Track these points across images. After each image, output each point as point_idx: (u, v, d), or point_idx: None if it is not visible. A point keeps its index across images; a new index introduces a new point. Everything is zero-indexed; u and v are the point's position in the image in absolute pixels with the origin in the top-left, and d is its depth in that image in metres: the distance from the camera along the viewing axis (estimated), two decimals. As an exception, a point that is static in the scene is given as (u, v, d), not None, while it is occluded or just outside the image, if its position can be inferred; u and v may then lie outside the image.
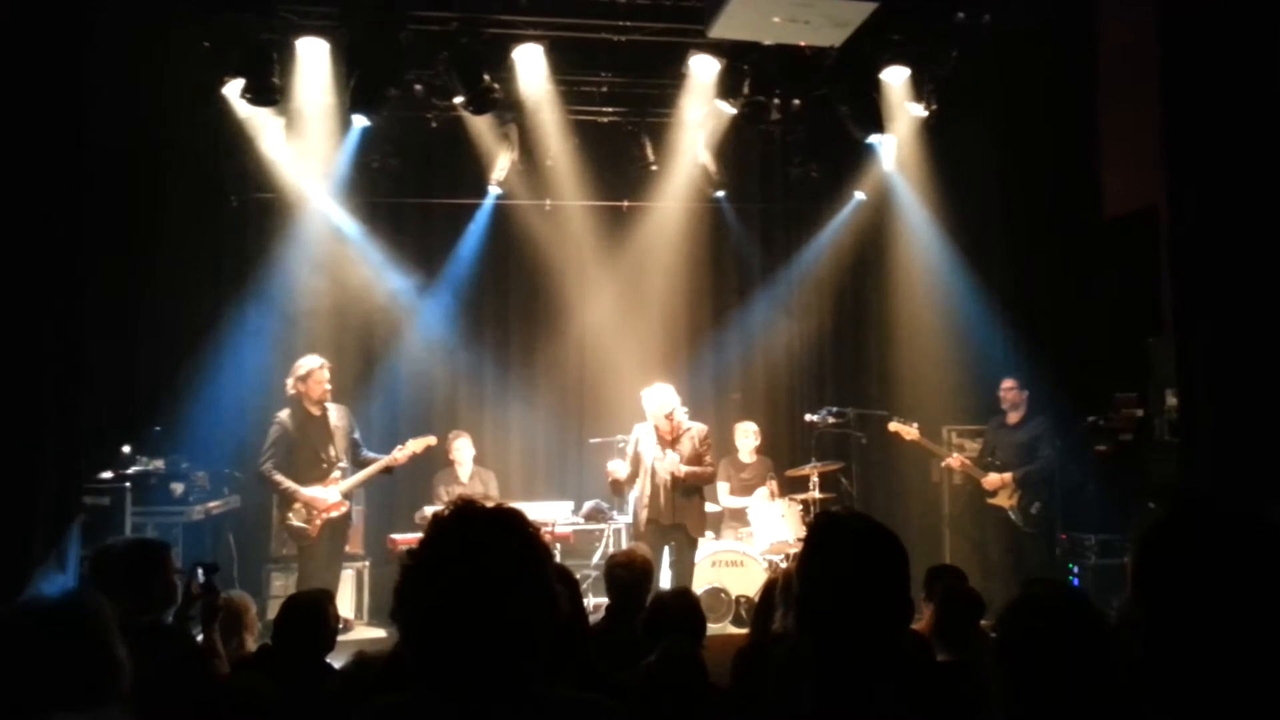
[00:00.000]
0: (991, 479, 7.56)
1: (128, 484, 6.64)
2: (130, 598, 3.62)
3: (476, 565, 1.51)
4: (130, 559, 3.74)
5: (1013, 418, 7.72)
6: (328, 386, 6.81)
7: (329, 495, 6.73)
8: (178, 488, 7.02)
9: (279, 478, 6.65)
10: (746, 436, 8.31)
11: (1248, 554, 1.44)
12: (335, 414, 6.89)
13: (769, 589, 4.24)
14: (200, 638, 3.82)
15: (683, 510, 6.77)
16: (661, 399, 6.79)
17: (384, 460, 6.97)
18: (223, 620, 3.98)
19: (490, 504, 1.63)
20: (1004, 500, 7.51)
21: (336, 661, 3.74)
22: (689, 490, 6.82)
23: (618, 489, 6.97)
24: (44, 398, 5.12)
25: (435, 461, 7.88)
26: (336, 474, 6.81)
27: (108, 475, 6.69)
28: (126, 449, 6.99)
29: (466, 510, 1.58)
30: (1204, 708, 1.40)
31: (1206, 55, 5.68)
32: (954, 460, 7.77)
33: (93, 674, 1.65)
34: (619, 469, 6.87)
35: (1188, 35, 5.79)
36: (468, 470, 7.93)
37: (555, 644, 1.57)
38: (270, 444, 6.71)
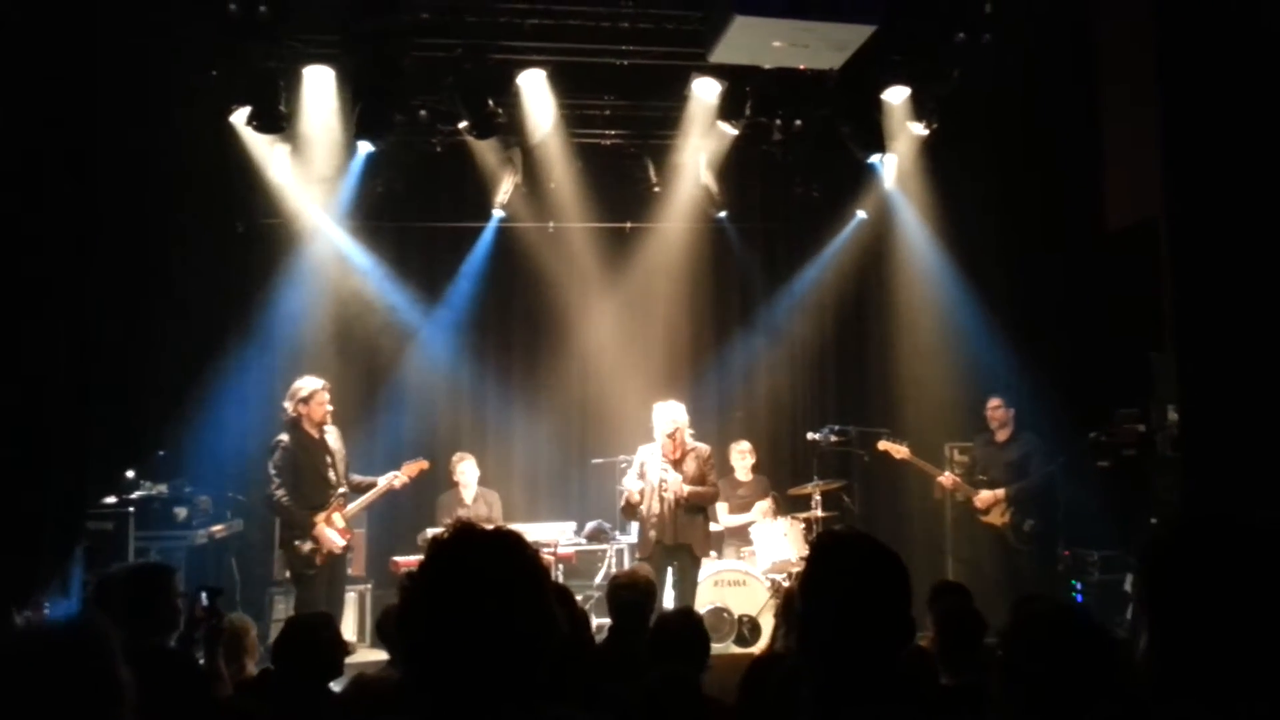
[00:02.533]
0: (984, 496, 7.51)
1: (131, 509, 6.63)
2: (134, 622, 3.62)
3: (475, 588, 1.52)
4: (134, 583, 3.75)
5: (1001, 435, 7.71)
6: (329, 408, 6.80)
7: (337, 539, 6.69)
8: (181, 512, 7.01)
9: (293, 508, 6.60)
10: (742, 455, 8.31)
11: (1260, 564, 1.45)
12: (332, 436, 6.88)
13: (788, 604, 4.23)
14: (203, 661, 3.82)
15: (686, 530, 6.76)
16: (671, 415, 6.80)
17: (382, 486, 7.00)
18: (225, 643, 3.98)
19: (490, 526, 1.65)
20: (996, 518, 7.48)
21: (337, 685, 3.75)
22: (693, 510, 6.82)
23: (630, 512, 6.95)
24: (48, 424, 5.15)
25: (439, 483, 7.89)
26: (340, 498, 6.80)
27: (111, 500, 6.69)
28: (130, 474, 7.00)
29: (465, 533, 1.60)
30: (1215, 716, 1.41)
31: (1206, 71, 5.71)
32: (946, 479, 7.73)
33: (96, 699, 1.65)
34: (634, 486, 6.81)
35: (1187, 51, 5.82)
36: (472, 492, 7.92)
37: (557, 664, 1.58)
38: (277, 470, 6.63)
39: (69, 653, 1.64)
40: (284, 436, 6.70)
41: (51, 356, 5.26)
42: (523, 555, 1.58)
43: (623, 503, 6.96)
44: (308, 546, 6.62)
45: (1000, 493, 7.46)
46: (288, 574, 7.60)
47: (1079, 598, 7.19)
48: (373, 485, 7.05)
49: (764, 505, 7.98)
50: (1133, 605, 6.73)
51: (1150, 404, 7.07)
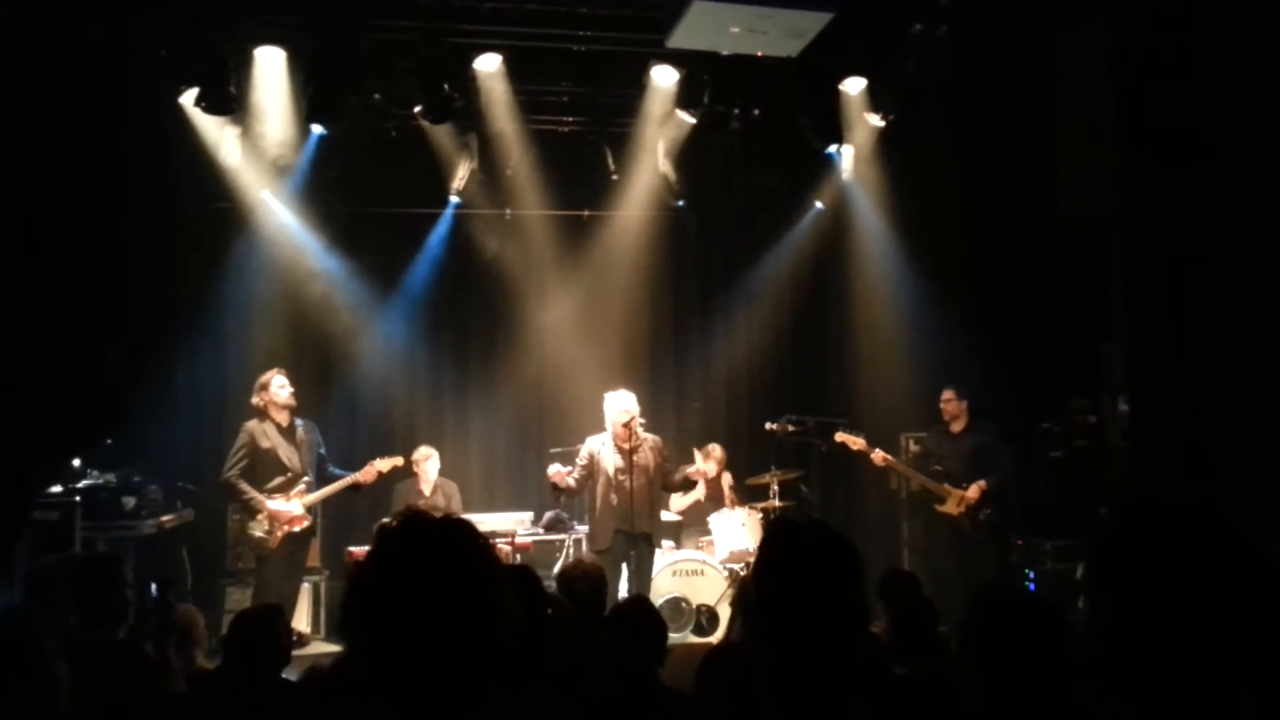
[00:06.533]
0: (971, 493, 7.43)
1: (78, 498, 6.52)
2: (82, 614, 3.56)
3: (422, 578, 1.49)
4: (81, 574, 3.68)
5: (955, 427, 7.73)
6: (289, 391, 6.74)
7: (292, 508, 6.65)
8: (129, 501, 6.91)
9: (244, 486, 6.56)
10: (711, 462, 8.10)
11: (1194, 548, 1.46)
12: (303, 428, 6.86)
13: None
14: (152, 653, 3.75)
15: (647, 520, 6.76)
16: (622, 404, 6.78)
17: (350, 478, 6.91)
18: (175, 636, 3.92)
19: (439, 515, 1.62)
20: (953, 508, 7.52)
21: (292, 676, 3.71)
22: (654, 500, 6.83)
23: (558, 494, 6.93)
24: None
25: (396, 473, 7.81)
26: (301, 486, 6.74)
27: (57, 489, 6.57)
28: (77, 462, 6.87)
29: (414, 522, 1.57)
30: (1155, 700, 1.41)
31: (1159, 66, 5.80)
32: (884, 460, 7.69)
33: (28, 691, 1.61)
34: (561, 472, 6.79)
35: (1142, 48, 5.91)
36: (431, 484, 7.88)
37: (518, 651, 1.55)
38: (235, 452, 6.62)
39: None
40: (250, 422, 6.70)
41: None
42: (472, 544, 1.55)
43: (552, 492, 6.93)
44: (260, 531, 6.57)
45: (982, 484, 7.43)
46: (240, 564, 7.53)
47: (1032, 586, 7.28)
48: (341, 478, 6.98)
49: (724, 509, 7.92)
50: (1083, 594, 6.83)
51: (1101, 395, 7.17)
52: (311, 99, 7.30)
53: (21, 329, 5.64)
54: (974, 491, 7.42)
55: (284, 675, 3.63)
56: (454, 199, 8.80)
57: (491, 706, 1.54)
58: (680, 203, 9.19)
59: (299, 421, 6.85)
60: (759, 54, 7.01)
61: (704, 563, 7.53)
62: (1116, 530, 1.55)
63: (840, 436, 7.72)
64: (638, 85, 8.08)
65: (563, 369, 8.89)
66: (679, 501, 8.20)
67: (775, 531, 2.17)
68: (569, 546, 7.96)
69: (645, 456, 6.81)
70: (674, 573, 7.40)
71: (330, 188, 8.43)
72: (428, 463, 7.87)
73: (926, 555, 8.15)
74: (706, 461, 8.03)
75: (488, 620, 1.51)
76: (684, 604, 7.29)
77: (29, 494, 6.05)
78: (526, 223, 8.98)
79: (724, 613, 7.20)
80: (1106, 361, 7.11)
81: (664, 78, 7.90)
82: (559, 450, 8.11)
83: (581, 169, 8.92)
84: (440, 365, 9.00)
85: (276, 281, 8.32)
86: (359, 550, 7.39)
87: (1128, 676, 1.44)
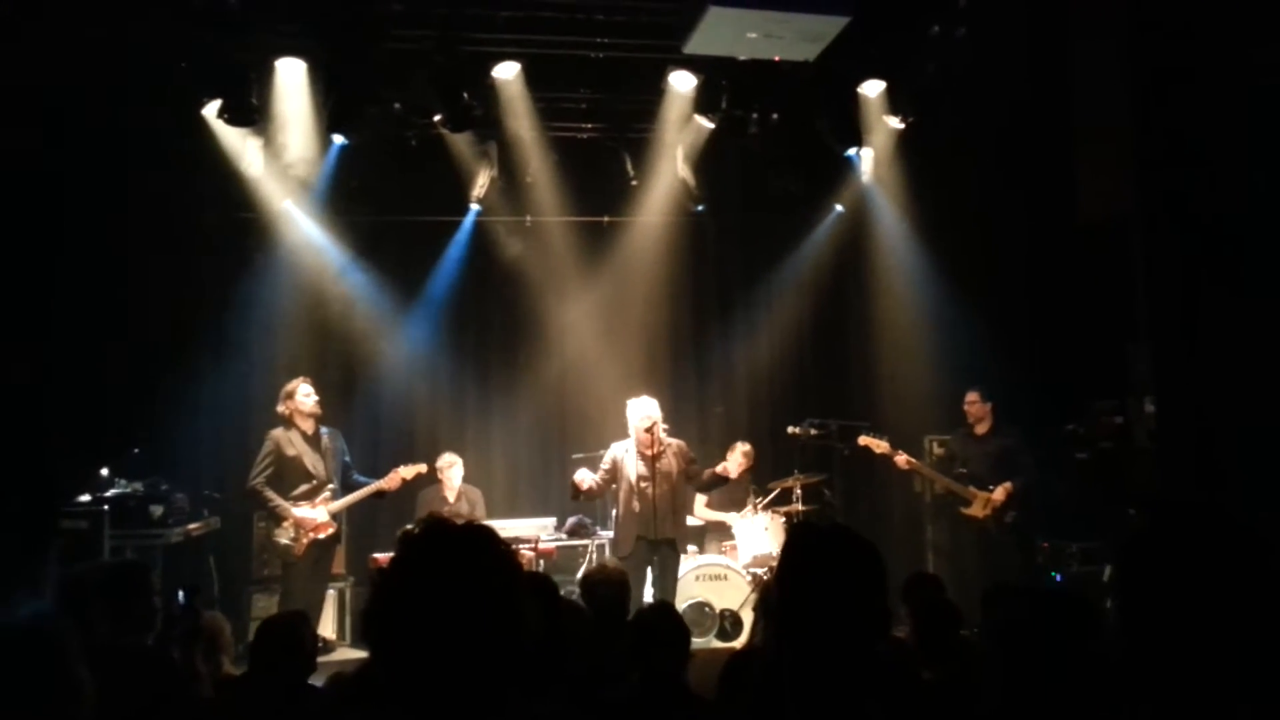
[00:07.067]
0: (997, 495, 7.43)
1: (106, 507, 6.59)
2: (111, 621, 3.59)
3: (444, 585, 1.51)
4: (110, 582, 3.71)
5: (980, 429, 7.70)
6: (314, 399, 6.80)
7: (318, 515, 6.70)
8: (157, 510, 6.97)
9: (270, 494, 6.61)
10: (738, 455, 7.97)
11: (1223, 555, 1.45)
12: (328, 436, 6.91)
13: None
14: (179, 660, 3.78)
15: (671, 525, 6.76)
16: (645, 410, 6.78)
17: (375, 485, 6.95)
18: (202, 642, 3.95)
19: (462, 522, 1.63)
20: (978, 511, 7.47)
21: (318, 682, 3.74)
22: (678, 505, 6.82)
23: (576, 495, 6.91)
24: (16, 421, 5.09)
25: (420, 480, 7.85)
26: (327, 493, 6.78)
27: (86, 498, 6.64)
28: (104, 472, 6.94)
29: (436, 529, 1.58)
30: (1183, 703, 1.41)
31: (1176, 64, 5.76)
32: (908, 463, 7.65)
33: (51, 697, 1.62)
34: (586, 478, 6.80)
35: (1158, 47, 5.87)
36: (454, 491, 7.91)
37: (538, 658, 1.57)
38: (261, 459, 6.67)
39: (21, 651, 1.61)
40: (275, 430, 6.76)
41: (17, 354, 5.19)
42: (493, 551, 1.57)
43: (572, 491, 6.91)
44: (286, 538, 6.61)
45: (1009, 486, 7.39)
46: (266, 571, 7.59)
47: (1058, 589, 7.23)
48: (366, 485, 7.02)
49: (746, 512, 7.92)
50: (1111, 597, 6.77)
51: (1127, 396, 7.10)
52: (332, 109, 7.37)
53: (46, 340, 5.71)
54: (1000, 494, 7.38)
55: (310, 681, 3.66)
56: (474, 206, 8.84)
57: (511, 710, 1.55)
58: (700, 207, 9.19)
59: (324, 429, 6.90)
60: (776, 58, 7.00)
61: (727, 567, 7.52)
62: (1145, 532, 1.54)
63: (863, 440, 7.69)
64: (656, 91, 8.09)
65: (584, 374, 8.91)
66: (703, 509, 8.17)
67: (798, 536, 2.17)
68: (592, 552, 7.97)
69: (669, 462, 6.81)
70: (697, 577, 7.40)
71: (351, 197, 8.50)
72: (452, 470, 7.91)
73: (951, 558, 8.11)
74: (732, 454, 8.01)
75: (508, 626, 1.52)
76: (707, 609, 7.28)
77: (58, 503, 6.11)
78: (546, 229, 9.01)
79: (747, 617, 7.19)
80: (1132, 362, 7.04)
81: (682, 83, 7.91)
82: (581, 456, 8.13)
83: (601, 175, 8.95)
84: (462, 372, 9.04)
85: (299, 290, 8.39)
86: (383, 557, 7.42)
87: (1155, 676, 1.43)
